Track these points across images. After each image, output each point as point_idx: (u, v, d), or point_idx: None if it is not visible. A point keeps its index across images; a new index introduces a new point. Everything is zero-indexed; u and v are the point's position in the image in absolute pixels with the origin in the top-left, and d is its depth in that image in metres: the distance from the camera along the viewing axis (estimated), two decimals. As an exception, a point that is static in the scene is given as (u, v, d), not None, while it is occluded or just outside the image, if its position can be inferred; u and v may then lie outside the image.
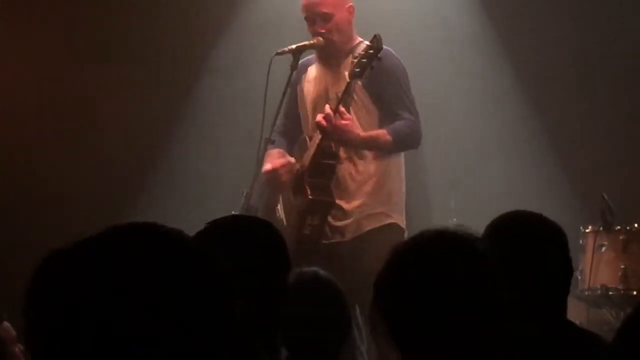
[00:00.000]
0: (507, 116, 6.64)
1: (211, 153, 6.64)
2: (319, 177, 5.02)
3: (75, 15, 6.64)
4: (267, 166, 5.05)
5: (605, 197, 5.57)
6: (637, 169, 6.38)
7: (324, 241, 5.02)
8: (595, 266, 5.55)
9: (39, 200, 6.49)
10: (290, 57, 5.07)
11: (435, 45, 6.60)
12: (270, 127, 5.02)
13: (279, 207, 5.22)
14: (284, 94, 5.08)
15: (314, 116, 4.99)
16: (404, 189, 5.16)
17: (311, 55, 5.29)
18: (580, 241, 5.62)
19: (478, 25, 6.65)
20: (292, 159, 5.13)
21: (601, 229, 5.59)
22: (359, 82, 4.91)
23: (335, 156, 5.03)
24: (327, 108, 4.88)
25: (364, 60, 4.80)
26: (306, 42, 5.12)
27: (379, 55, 4.78)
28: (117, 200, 6.47)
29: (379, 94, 5.04)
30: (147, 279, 1.36)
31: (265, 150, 5.02)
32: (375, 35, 4.82)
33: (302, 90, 5.26)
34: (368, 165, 5.06)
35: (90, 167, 6.58)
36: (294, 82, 5.23)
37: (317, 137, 4.96)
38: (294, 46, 5.08)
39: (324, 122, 4.85)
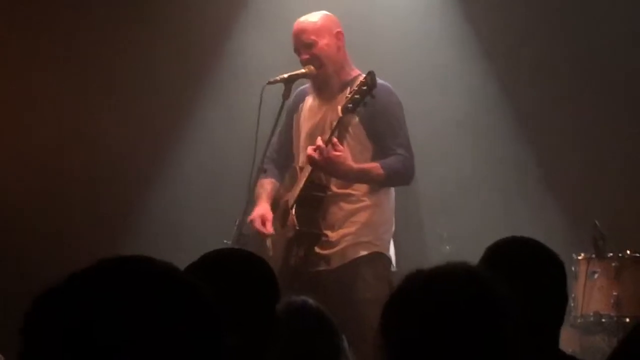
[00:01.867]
0: (499, 143, 6.65)
1: (203, 182, 6.64)
2: (306, 209, 5.03)
3: (75, 50, 6.66)
4: (255, 214, 5.08)
5: (597, 224, 5.58)
6: (629, 196, 6.39)
7: (310, 269, 5.02)
8: (588, 293, 5.55)
9: (34, 231, 6.48)
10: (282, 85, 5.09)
11: (426, 69, 6.63)
12: (262, 155, 5.03)
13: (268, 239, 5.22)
14: (275, 123, 5.09)
15: (307, 147, 4.99)
16: (392, 219, 5.16)
17: (307, 85, 5.30)
18: (573, 268, 5.62)
19: (470, 48, 6.67)
20: (269, 229, 5.10)
21: (593, 256, 5.59)
22: (355, 117, 4.92)
23: (325, 189, 5.04)
24: (319, 140, 4.88)
25: (357, 96, 4.80)
26: (298, 71, 5.14)
27: (372, 92, 4.79)
28: (108, 232, 6.46)
29: (374, 129, 5.05)
30: (137, 314, 1.36)
31: (258, 178, 5.03)
32: (369, 72, 4.83)
33: (298, 119, 5.27)
34: (358, 197, 5.07)
35: (83, 196, 6.58)
36: (291, 110, 5.25)
37: (308, 168, 4.97)
38: (286, 75, 5.10)
39: (314, 154, 4.85)
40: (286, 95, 5.08)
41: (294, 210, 5.04)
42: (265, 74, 5.22)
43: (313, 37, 5.10)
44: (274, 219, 5.15)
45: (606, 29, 6.51)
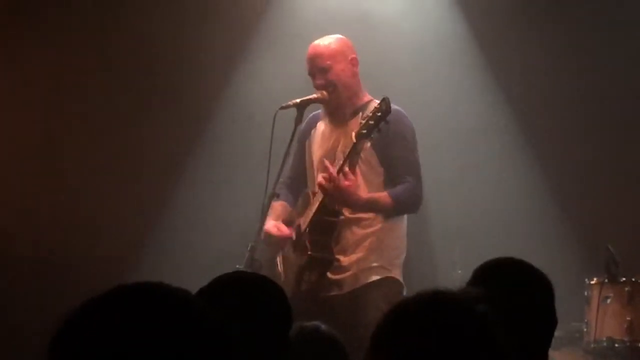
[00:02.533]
0: (511, 167, 6.66)
1: (217, 206, 6.65)
2: (319, 234, 5.04)
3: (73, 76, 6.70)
4: (267, 226, 5.08)
5: (610, 248, 5.57)
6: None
7: (322, 294, 5.02)
8: (601, 318, 5.53)
9: (40, 260, 6.50)
10: (294, 111, 5.11)
11: (437, 89, 6.65)
12: (275, 180, 5.03)
13: (279, 261, 5.23)
14: (288, 148, 5.09)
15: (320, 173, 5.01)
16: (404, 244, 5.16)
17: (318, 111, 5.31)
18: (586, 293, 5.60)
19: (484, 73, 6.69)
20: (286, 230, 5.13)
21: (606, 280, 5.57)
22: (368, 142, 4.93)
23: (337, 213, 5.04)
24: (330, 167, 4.89)
25: (371, 122, 4.80)
26: (311, 96, 5.14)
27: (386, 119, 4.79)
28: (122, 256, 6.47)
29: (386, 155, 5.06)
30: (152, 340, 1.37)
31: (270, 204, 5.03)
32: (384, 99, 4.82)
33: (310, 144, 5.28)
34: (370, 221, 5.07)
35: (93, 223, 6.59)
36: (302, 136, 5.26)
37: (321, 194, 4.98)
38: (298, 100, 5.10)
39: (325, 183, 4.87)
40: (298, 120, 5.08)
41: (306, 235, 5.05)
42: (278, 99, 5.24)
43: (329, 62, 5.11)
44: (288, 244, 5.18)
45: (625, 59, 6.54)
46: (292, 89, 5.49)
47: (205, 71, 6.70)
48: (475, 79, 6.68)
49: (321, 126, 5.26)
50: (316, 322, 3.17)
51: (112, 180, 6.62)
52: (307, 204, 5.14)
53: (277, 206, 5.20)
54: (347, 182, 4.85)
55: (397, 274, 5.08)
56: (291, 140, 5.08)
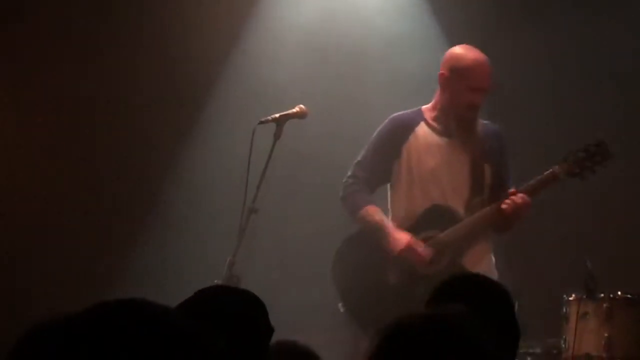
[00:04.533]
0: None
1: (193, 221, 6.64)
2: (458, 250, 5.13)
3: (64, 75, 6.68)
4: (412, 242, 5.10)
5: (588, 264, 5.58)
6: (620, 236, 6.40)
7: None
8: (579, 334, 5.53)
9: (21, 270, 6.46)
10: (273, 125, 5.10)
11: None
12: (254, 195, 5.02)
13: (388, 265, 5.18)
14: (267, 162, 5.07)
15: (434, 185, 5.10)
16: None
17: (408, 111, 5.28)
18: (564, 309, 5.61)
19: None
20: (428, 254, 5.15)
21: (584, 297, 5.58)
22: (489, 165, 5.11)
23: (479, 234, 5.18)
24: (520, 196, 5.02)
25: (588, 164, 4.98)
26: (290, 111, 5.14)
27: (604, 164, 5.00)
28: (101, 272, 6.45)
29: (498, 172, 5.20)
30: (133, 357, 1.37)
31: (248, 219, 5.00)
32: (602, 141, 4.99)
33: (410, 150, 5.21)
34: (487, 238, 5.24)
35: (74, 237, 6.57)
36: (398, 137, 5.20)
37: (480, 213, 5.07)
38: (277, 115, 5.10)
39: (516, 205, 5.01)
40: (278, 134, 5.08)
41: (448, 250, 5.11)
42: (255, 114, 5.23)
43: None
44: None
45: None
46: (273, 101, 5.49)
47: (186, 88, 6.70)
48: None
49: (423, 133, 5.22)
50: (294, 340, 3.18)
51: (93, 192, 6.59)
52: (439, 219, 5.15)
53: (379, 212, 5.22)
54: (523, 201, 5.02)
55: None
56: (270, 155, 5.06)
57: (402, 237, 5.12)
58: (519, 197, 5.00)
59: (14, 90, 6.65)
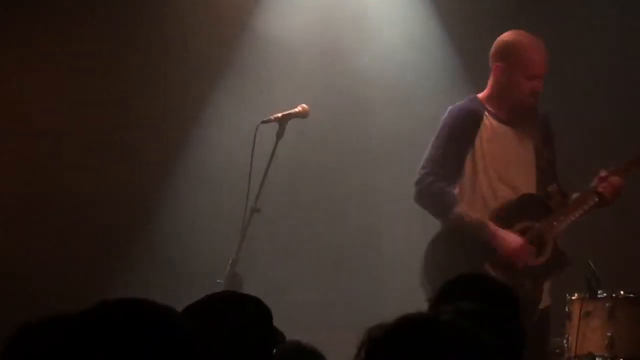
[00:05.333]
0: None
1: (197, 219, 6.63)
2: (556, 241, 5.15)
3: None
4: (519, 245, 5.06)
5: (591, 263, 5.57)
6: (622, 235, 6.39)
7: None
8: (582, 334, 5.52)
9: (21, 272, 6.46)
10: (276, 125, 5.09)
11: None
12: (256, 195, 5.01)
13: (487, 263, 5.11)
14: (270, 161, 5.06)
15: (508, 173, 5.06)
16: None
17: (467, 101, 5.18)
18: (567, 308, 5.60)
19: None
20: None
21: (587, 296, 5.57)
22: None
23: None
24: (616, 178, 5.06)
25: None
26: (292, 111, 5.14)
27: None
28: (103, 270, 6.44)
29: (553, 157, 5.22)
30: (136, 356, 1.36)
31: (251, 218, 4.98)
32: None
33: (482, 141, 5.12)
34: None
35: (76, 236, 6.56)
36: (470, 129, 5.09)
37: (585, 202, 5.10)
38: (279, 114, 5.10)
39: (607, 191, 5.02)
40: (280, 134, 5.07)
41: (550, 243, 5.12)
42: (258, 113, 5.23)
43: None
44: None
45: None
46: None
47: (185, 89, 6.69)
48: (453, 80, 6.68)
49: (489, 123, 5.12)
50: (298, 340, 3.20)
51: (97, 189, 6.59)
52: (536, 207, 5.11)
53: (472, 209, 5.10)
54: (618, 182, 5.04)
55: None
56: (272, 154, 5.06)
57: (513, 239, 5.06)
58: (615, 179, 4.98)
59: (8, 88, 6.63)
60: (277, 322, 2.87)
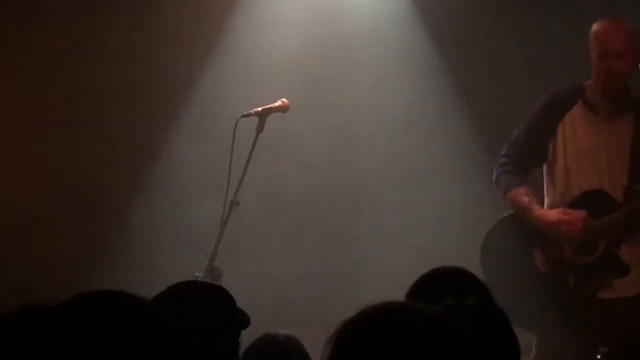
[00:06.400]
0: (466, 172, 6.61)
1: (175, 212, 6.62)
2: (617, 240, 4.84)
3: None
4: (551, 217, 4.85)
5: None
6: None
7: (601, 296, 4.83)
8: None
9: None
10: (256, 119, 5.09)
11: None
12: (236, 189, 5.00)
13: (537, 252, 4.99)
14: (249, 156, 5.06)
15: (591, 168, 4.84)
16: None
17: (566, 88, 5.01)
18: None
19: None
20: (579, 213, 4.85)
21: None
22: None
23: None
24: None
25: None
26: (272, 105, 5.14)
27: None
28: (82, 261, 6.43)
29: None
30: (111, 346, 1.37)
31: (230, 212, 4.99)
32: None
33: (566, 130, 4.94)
34: None
35: (53, 228, 6.54)
36: (549, 117, 4.96)
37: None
38: (259, 109, 5.10)
39: None
40: (260, 128, 5.07)
41: (602, 238, 4.84)
42: (238, 107, 5.23)
43: (627, 47, 4.79)
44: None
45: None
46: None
47: (167, 79, 6.68)
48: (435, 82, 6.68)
49: (581, 112, 4.92)
50: (281, 332, 3.24)
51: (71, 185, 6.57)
52: (600, 204, 4.84)
53: (528, 191, 4.97)
54: None
55: None
56: (252, 148, 5.05)
57: (549, 213, 4.87)
58: None
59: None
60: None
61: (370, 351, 1.84)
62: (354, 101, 6.58)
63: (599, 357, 4.99)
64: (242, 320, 2.71)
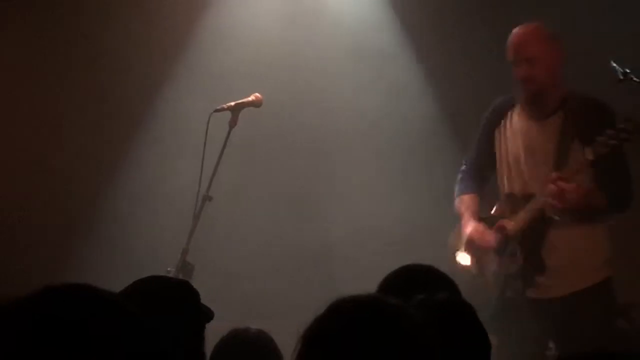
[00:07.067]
0: (445, 170, 6.66)
1: (148, 207, 6.61)
2: (531, 242, 4.87)
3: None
4: (470, 230, 4.98)
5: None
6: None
7: (530, 296, 4.87)
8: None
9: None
10: (229, 113, 5.09)
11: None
12: (208, 183, 4.99)
13: (473, 263, 5.06)
14: (222, 151, 5.05)
15: (516, 171, 4.91)
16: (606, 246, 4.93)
17: (508, 96, 5.05)
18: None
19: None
20: (491, 239, 4.96)
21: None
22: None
23: (550, 219, 4.83)
24: (565, 185, 4.66)
25: (613, 142, 4.54)
26: (245, 100, 5.14)
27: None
28: (51, 256, 6.41)
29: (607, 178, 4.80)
30: (79, 340, 1.36)
31: (202, 207, 4.98)
32: (630, 120, 4.56)
33: (501, 136, 5.03)
34: (578, 224, 4.84)
35: (26, 221, 6.53)
36: (491, 123, 5.06)
37: (539, 201, 4.78)
38: (232, 103, 5.09)
39: (557, 201, 4.68)
40: (233, 123, 5.06)
41: (518, 242, 4.89)
42: (210, 102, 5.22)
43: (537, 53, 4.83)
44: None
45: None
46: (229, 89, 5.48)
47: (139, 70, 6.66)
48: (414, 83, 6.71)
49: (514, 117, 5.00)
50: (250, 327, 3.25)
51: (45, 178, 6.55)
52: (512, 206, 4.94)
53: (469, 200, 5.10)
54: (573, 191, 4.66)
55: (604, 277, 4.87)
56: (225, 143, 5.05)
57: (467, 227, 5.01)
58: (560, 184, 4.64)
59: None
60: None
61: (340, 349, 1.86)
62: (329, 96, 6.59)
63: (549, 352, 5.07)
64: (206, 314, 2.72)
